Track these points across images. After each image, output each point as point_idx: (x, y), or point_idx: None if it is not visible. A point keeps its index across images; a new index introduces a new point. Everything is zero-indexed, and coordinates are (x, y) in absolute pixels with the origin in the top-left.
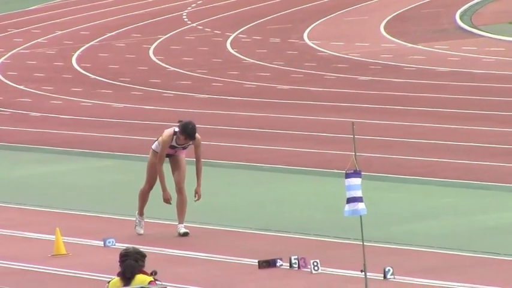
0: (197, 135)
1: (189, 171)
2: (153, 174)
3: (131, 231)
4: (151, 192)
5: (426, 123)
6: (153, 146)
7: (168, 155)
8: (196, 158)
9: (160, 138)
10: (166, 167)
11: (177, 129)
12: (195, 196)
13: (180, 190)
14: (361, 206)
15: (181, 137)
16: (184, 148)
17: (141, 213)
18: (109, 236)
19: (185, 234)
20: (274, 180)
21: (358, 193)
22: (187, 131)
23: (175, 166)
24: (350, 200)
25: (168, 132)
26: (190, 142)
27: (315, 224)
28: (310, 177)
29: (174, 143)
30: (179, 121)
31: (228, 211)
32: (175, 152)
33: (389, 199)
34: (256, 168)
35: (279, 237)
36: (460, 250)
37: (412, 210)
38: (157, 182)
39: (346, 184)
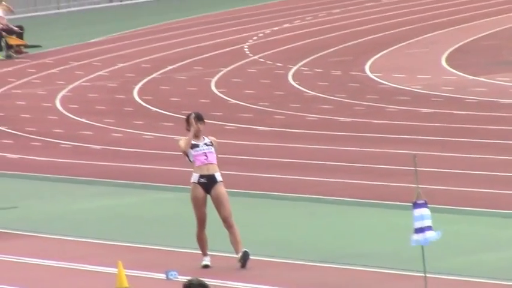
0: (213, 138)
1: None
2: (199, 210)
3: (193, 264)
4: (213, 225)
5: (488, 155)
6: (192, 179)
7: (205, 181)
8: None
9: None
10: (210, 207)
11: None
12: None
13: (230, 226)
14: (430, 234)
15: (194, 124)
16: (207, 145)
17: (205, 254)
18: (171, 268)
19: (246, 255)
20: (337, 212)
21: (427, 222)
22: (191, 114)
23: (218, 202)
24: (418, 230)
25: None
26: (205, 136)
27: (377, 256)
28: (373, 209)
29: (193, 142)
30: None
31: (292, 243)
32: (207, 157)
33: (451, 231)
34: (320, 201)
35: (342, 269)
36: None
37: (474, 242)
38: (209, 219)
39: (415, 214)
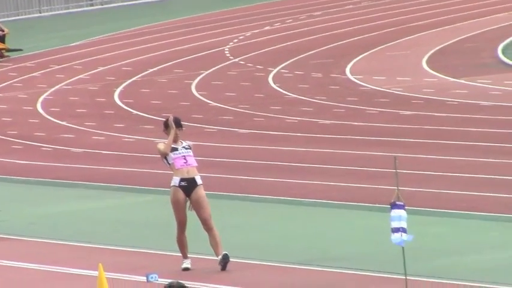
0: (190, 142)
1: None
2: (180, 213)
3: (174, 267)
4: (193, 228)
5: (469, 157)
6: (172, 183)
7: (186, 184)
8: None
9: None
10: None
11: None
12: None
13: (209, 228)
14: (405, 236)
15: (173, 125)
16: (186, 149)
17: (185, 257)
18: (152, 271)
19: (225, 257)
20: (316, 214)
21: (403, 224)
22: (170, 118)
23: (198, 205)
24: (395, 230)
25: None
26: (182, 141)
27: (357, 258)
28: (352, 211)
29: (172, 145)
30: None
31: (272, 246)
32: (186, 160)
33: (431, 233)
34: (299, 203)
35: (322, 271)
36: (504, 284)
37: (454, 244)
38: (188, 222)
39: (392, 215)
